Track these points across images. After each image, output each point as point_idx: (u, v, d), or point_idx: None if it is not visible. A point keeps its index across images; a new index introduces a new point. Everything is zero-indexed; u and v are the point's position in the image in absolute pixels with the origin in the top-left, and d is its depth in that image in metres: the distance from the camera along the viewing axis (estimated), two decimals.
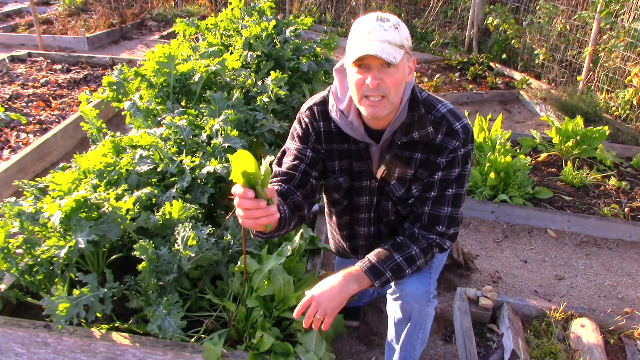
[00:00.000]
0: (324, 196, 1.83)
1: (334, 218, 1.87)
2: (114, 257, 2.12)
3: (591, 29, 5.05)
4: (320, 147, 1.63)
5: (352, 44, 1.41)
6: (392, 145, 1.55)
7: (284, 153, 1.67)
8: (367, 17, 1.40)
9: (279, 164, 1.65)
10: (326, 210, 1.91)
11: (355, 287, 1.53)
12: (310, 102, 1.65)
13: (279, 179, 1.59)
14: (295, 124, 1.67)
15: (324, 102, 1.62)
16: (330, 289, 1.50)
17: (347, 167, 1.66)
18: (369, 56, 1.34)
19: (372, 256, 1.59)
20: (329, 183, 1.70)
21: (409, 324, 1.70)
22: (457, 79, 5.96)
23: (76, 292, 1.76)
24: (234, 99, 2.85)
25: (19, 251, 1.91)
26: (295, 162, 1.60)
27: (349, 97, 1.53)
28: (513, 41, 6.29)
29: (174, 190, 2.18)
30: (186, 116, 2.61)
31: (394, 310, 1.73)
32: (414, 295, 1.64)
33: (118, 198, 2.00)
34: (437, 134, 1.52)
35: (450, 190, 1.57)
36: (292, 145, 1.65)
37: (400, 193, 1.62)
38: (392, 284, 1.68)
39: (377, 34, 1.35)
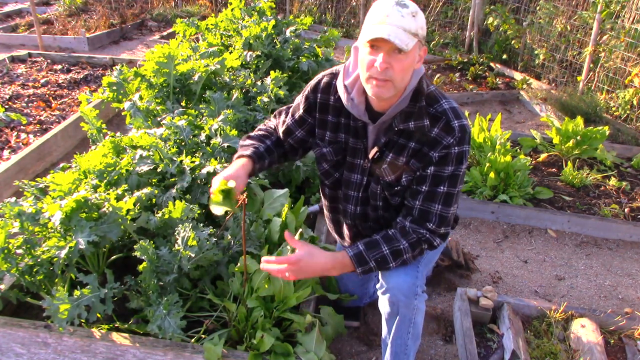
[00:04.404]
0: (317, 169, 1.88)
1: (326, 190, 1.89)
2: (114, 257, 2.12)
3: (591, 29, 5.05)
4: (308, 116, 1.76)
5: (368, 23, 1.43)
6: (389, 129, 1.58)
7: (289, 107, 1.87)
8: None
9: (283, 113, 1.89)
10: (320, 185, 1.95)
11: (334, 273, 1.67)
12: (324, 72, 1.74)
13: (272, 125, 1.91)
14: (304, 90, 1.80)
15: (333, 75, 1.70)
16: (312, 267, 1.60)
17: (338, 140, 1.71)
18: (382, 39, 1.37)
19: (361, 243, 1.62)
20: (315, 152, 1.78)
21: (397, 317, 1.72)
22: (457, 79, 5.96)
23: (76, 292, 1.76)
24: (233, 99, 2.85)
25: (19, 251, 1.91)
26: (284, 118, 1.85)
27: (356, 73, 1.58)
28: (513, 41, 6.29)
29: (174, 191, 2.18)
30: (186, 116, 2.61)
31: (383, 305, 1.76)
32: (400, 287, 1.66)
33: (118, 198, 2.00)
34: (433, 127, 1.54)
35: (442, 188, 1.58)
36: (294, 104, 1.82)
37: (390, 178, 1.64)
38: (380, 278, 1.72)
39: (394, 19, 1.38)
